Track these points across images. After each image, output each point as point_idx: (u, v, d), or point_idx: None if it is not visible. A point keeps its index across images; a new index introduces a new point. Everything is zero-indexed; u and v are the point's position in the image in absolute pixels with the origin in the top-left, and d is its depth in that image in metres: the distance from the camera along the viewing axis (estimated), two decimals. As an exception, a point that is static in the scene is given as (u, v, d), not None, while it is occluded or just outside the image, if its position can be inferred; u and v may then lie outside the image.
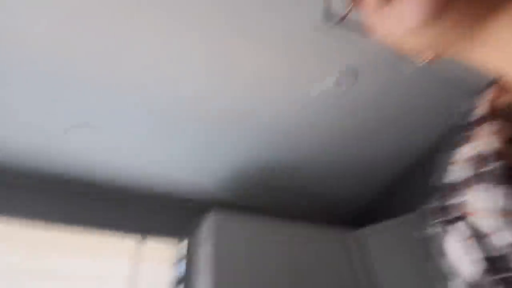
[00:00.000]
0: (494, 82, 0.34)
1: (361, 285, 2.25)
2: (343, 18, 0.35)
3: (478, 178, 0.29)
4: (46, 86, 1.74)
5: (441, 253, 0.33)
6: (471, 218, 0.29)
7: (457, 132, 0.36)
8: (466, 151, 0.32)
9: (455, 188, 0.31)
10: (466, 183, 0.30)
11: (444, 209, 0.33)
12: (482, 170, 0.29)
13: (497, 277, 0.27)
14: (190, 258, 2.39)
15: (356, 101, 2.08)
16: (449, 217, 0.32)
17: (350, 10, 0.32)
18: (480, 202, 0.28)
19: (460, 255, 0.31)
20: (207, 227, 2.18)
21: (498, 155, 0.28)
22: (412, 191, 2.62)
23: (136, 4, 1.49)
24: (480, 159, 0.29)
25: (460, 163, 0.32)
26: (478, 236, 0.29)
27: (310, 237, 2.34)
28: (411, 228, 2.36)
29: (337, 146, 2.38)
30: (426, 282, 2.09)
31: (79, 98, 1.82)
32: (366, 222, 2.64)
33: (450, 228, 0.32)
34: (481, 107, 0.34)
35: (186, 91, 1.89)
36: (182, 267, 2.37)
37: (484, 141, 0.30)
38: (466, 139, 0.33)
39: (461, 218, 0.30)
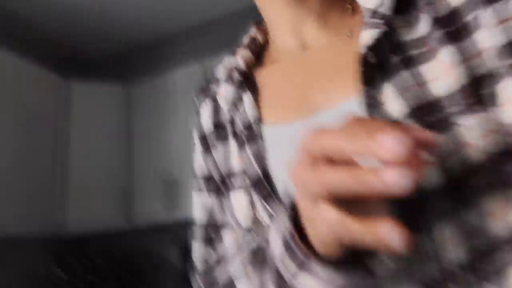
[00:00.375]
0: (260, 23, 0.51)
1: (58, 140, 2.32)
2: None
3: (227, 80, 0.48)
4: None
5: (197, 114, 0.54)
6: (219, 99, 0.50)
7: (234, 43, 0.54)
8: (229, 62, 0.50)
9: (217, 80, 0.52)
10: (222, 80, 0.50)
11: (206, 89, 0.55)
12: (231, 76, 0.48)
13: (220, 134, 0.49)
14: None
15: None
16: (207, 94, 0.54)
17: None
18: (223, 92, 0.48)
19: (206, 118, 0.52)
20: None
21: (240, 71, 0.47)
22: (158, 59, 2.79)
23: None
24: (232, 69, 0.48)
25: (224, 68, 0.51)
26: (216, 112, 0.50)
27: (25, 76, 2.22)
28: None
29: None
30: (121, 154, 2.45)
31: None
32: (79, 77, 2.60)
33: (207, 100, 0.53)
34: (247, 37, 0.51)
35: None
36: None
37: (238, 59, 0.48)
38: (233, 53, 0.50)
39: (214, 97, 0.51)
